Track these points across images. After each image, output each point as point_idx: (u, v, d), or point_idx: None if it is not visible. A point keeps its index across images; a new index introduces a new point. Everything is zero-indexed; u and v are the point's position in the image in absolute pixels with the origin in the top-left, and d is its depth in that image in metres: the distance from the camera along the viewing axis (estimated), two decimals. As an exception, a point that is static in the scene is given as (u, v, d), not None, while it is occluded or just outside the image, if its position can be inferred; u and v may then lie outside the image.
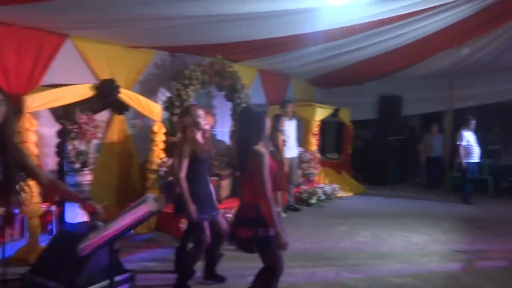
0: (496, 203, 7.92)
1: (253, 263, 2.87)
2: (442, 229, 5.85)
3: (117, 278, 2.88)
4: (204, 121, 3.63)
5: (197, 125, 3.52)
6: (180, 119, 3.62)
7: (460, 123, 8.39)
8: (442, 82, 9.46)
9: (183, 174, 3.39)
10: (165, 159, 5.36)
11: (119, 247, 2.23)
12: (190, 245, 3.78)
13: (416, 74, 9.21)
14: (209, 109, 6.39)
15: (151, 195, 2.25)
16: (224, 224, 3.67)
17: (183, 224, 4.72)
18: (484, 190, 8.77)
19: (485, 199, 8.20)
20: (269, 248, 2.65)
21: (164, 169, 5.25)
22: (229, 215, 4.61)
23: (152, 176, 5.29)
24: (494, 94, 8.91)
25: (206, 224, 3.48)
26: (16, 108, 4.11)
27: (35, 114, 4.33)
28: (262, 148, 2.70)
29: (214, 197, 3.73)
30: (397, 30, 6.30)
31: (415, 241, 5.28)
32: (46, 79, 5.15)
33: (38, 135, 4.33)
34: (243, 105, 7.31)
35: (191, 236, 3.80)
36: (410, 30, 6.35)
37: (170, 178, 5.01)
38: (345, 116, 9.50)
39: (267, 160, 2.64)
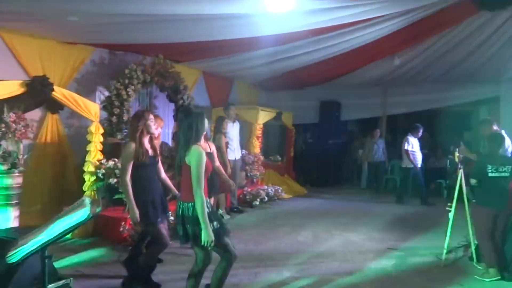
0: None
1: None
2: (378, 228, 6.16)
3: (51, 286, 2.71)
4: (155, 125, 3.60)
5: (148, 130, 3.49)
6: (132, 123, 3.52)
7: (393, 129, 8.96)
8: (377, 89, 10.03)
9: (127, 177, 3.31)
10: (103, 161, 5.14)
11: (51, 254, 2.10)
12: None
13: (354, 81, 9.66)
14: (156, 113, 6.23)
15: (87, 198, 2.15)
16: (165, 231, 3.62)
17: (123, 228, 4.56)
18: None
19: (414, 199, 8.75)
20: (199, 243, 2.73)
21: (102, 171, 5.03)
22: (171, 218, 4.52)
23: (90, 178, 5.04)
24: (423, 102, 9.58)
25: (161, 227, 3.46)
26: None
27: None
28: (199, 147, 2.77)
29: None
30: (335, 39, 6.58)
31: (353, 239, 5.51)
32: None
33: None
34: (183, 107, 7.23)
35: (145, 241, 3.70)
36: (347, 39, 6.66)
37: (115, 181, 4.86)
38: (287, 119, 9.71)
39: (203, 159, 2.71)
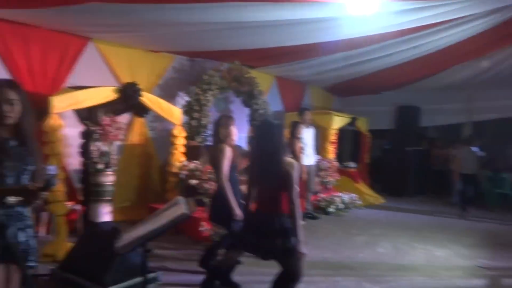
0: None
1: (270, 269, 2.90)
2: (466, 244, 5.71)
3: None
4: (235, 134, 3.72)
5: (234, 134, 3.65)
6: (224, 128, 3.65)
7: (479, 136, 8.25)
8: (461, 94, 9.34)
9: (226, 178, 3.46)
10: (185, 163, 5.36)
11: (151, 248, 2.21)
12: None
13: (435, 85, 9.11)
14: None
15: (181, 198, 2.23)
16: None
17: (203, 228, 4.71)
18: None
19: (508, 212, 8.01)
20: (291, 255, 2.71)
21: (184, 172, 5.25)
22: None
23: (172, 178, 5.29)
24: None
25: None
26: (42, 109, 4.16)
27: (60, 115, 4.37)
28: (292, 160, 2.83)
29: None
30: (416, 40, 6.25)
31: (438, 254, 5.17)
32: (70, 81, 5.21)
33: (62, 135, 4.36)
34: (261, 111, 7.32)
35: (224, 244, 3.78)
36: (430, 41, 6.30)
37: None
38: (362, 125, 9.42)
39: (298, 171, 2.76)
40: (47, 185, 1.94)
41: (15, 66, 4.80)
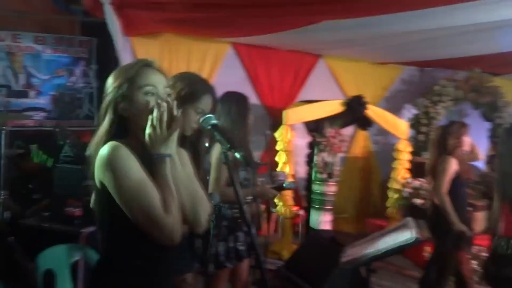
0: None
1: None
2: None
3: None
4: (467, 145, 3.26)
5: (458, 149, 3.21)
6: (453, 137, 3.26)
7: None
8: None
9: (444, 191, 3.11)
10: (409, 180, 5.05)
11: (375, 268, 2.13)
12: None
13: None
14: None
15: (412, 220, 2.07)
16: None
17: (427, 253, 4.30)
18: None
19: None
20: None
21: (408, 190, 4.95)
22: (484, 254, 3.92)
23: (394, 195, 5.07)
24: None
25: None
26: (277, 120, 4.69)
27: (292, 126, 4.82)
28: None
29: None
30: None
31: None
32: (302, 95, 5.67)
33: (292, 145, 4.80)
34: (506, 126, 6.20)
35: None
36: None
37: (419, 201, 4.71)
38: None
39: None
40: (280, 187, 2.15)
41: (259, 84, 5.57)
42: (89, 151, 1.28)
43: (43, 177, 3.57)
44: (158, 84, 1.30)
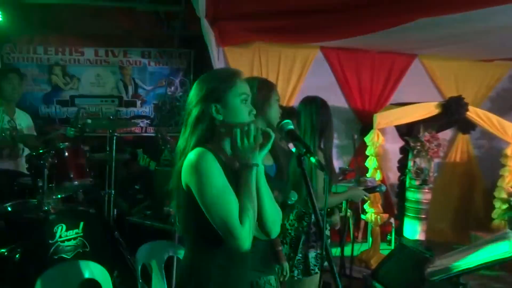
0: None
1: None
2: None
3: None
4: None
5: None
6: None
7: None
8: None
9: None
10: (519, 189, 4.55)
11: (466, 282, 1.99)
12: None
13: None
14: None
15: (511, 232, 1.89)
16: None
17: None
18: None
19: None
20: None
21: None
22: None
23: (502, 206, 4.60)
24: None
25: None
26: (368, 124, 4.57)
27: (382, 130, 4.65)
28: None
29: None
30: None
31: None
32: (394, 98, 5.43)
33: (383, 150, 4.63)
34: None
35: None
36: None
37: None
38: None
39: None
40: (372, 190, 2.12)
41: (348, 87, 5.45)
42: (177, 154, 1.38)
43: (147, 179, 3.95)
44: (249, 94, 1.39)
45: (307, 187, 1.33)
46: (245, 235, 1.26)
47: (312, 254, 2.49)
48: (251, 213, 1.28)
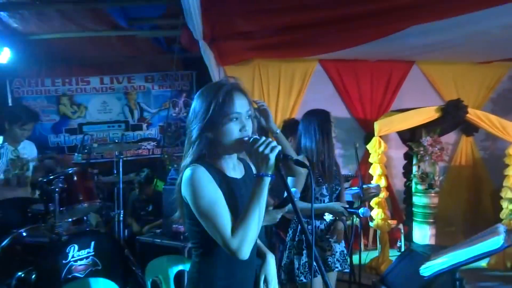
0: None
1: None
2: None
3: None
4: None
5: None
6: None
7: None
8: None
9: None
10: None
11: (462, 277, 2.02)
12: None
13: None
14: None
15: (502, 226, 1.94)
16: None
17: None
18: None
19: None
20: None
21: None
22: None
23: (509, 206, 4.57)
24: None
25: None
26: (370, 133, 4.62)
27: (385, 138, 4.69)
28: None
29: None
30: None
31: None
32: (395, 105, 5.49)
33: (387, 157, 4.66)
34: None
35: None
36: None
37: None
38: None
39: None
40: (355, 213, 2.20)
41: (349, 97, 5.53)
42: (180, 171, 1.46)
43: (158, 200, 4.01)
44: (243, 109, 1.42)
45: (288, 193, 1.37)
46: (237, 246, 1.29)
47: (300, 260, 2.49)
48: (255, 223, 1.31)
